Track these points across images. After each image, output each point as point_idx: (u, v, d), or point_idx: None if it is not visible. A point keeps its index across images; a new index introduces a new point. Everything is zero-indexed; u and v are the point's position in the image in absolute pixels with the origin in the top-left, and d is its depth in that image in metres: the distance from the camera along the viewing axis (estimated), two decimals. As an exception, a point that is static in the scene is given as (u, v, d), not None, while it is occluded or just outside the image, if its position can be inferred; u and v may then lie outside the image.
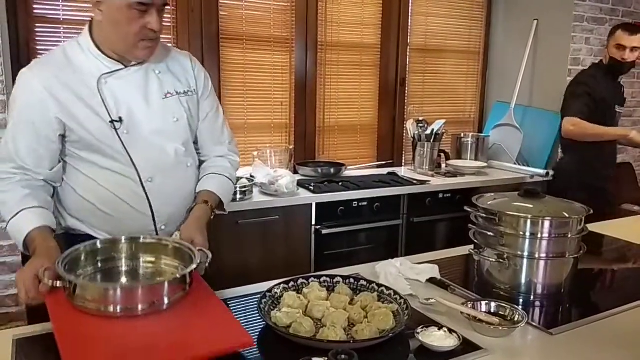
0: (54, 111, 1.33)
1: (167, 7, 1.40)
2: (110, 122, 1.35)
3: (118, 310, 1.09)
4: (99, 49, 1.36)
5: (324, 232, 2.71)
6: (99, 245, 1.31)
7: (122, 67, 1.38)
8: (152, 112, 1.41)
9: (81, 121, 1.34)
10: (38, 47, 2.49)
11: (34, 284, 1.15)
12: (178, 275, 1.21)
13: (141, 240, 1.35)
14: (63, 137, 1.37)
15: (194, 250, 1.27)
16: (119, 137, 1.37)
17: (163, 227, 1.46)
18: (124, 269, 1.33)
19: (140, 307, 1.10)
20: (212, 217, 1.51)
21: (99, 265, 1.31)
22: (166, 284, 1.15)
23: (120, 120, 1.36)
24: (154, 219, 1.45)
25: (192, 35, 2.81)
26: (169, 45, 1.55)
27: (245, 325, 1.27)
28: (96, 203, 1.40)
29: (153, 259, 1.35)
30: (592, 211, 1.47)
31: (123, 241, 1.34)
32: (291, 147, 3.18)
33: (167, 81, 1.45)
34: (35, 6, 2.45)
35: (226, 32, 2.93)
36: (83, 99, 1.34)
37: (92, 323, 1.08)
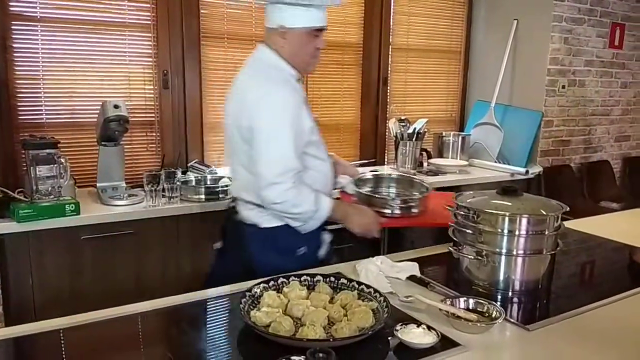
0: (308, 118, 1.67)
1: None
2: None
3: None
4: (289, 64, 1.70)
5: (307, 231, 2.70)
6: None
7: (299, 78, 1.75)
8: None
9: (309, 122, 1.67)
10: (14, 45, 2.44)
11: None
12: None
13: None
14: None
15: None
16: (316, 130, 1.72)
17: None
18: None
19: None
20: None
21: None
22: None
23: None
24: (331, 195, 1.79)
25: (172, 34, 2.78)
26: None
27: (225, 326, 1.26)
28: (312, 185, 1.70)
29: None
30: (568, 208, 1.49)
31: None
32: (273, 146, 3.16)
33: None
34: (11, 3, 2.41)
35: (207, 31, 2.91)
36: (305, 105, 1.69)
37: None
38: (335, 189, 1.87)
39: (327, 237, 1.79)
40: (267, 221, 1.69)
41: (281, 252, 1.67)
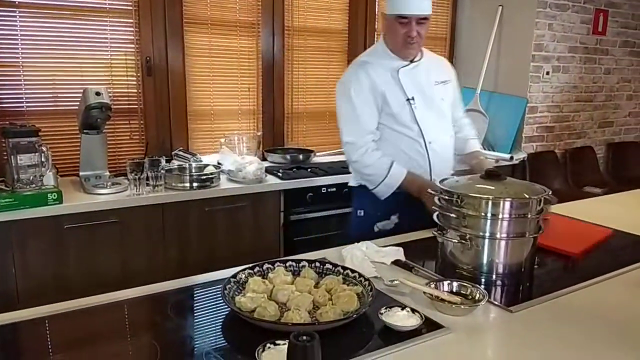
0: (378, 96, 1.89)
1: (426, 20, 1.86)
2: (406, 100, 1.89)
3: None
4: (391, 51, 1.93)
5: (293, 218, 2.71)
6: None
7: (408, 63, 1.92)
8: (430, 94, 1.94)
9: (389, 99, 1.88)
10: (-8, 31, 2.39)
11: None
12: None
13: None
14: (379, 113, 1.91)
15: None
16: (412, 110, 1.89)
17: (435, 178, 1.82)
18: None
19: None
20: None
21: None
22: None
23: (413, 99, 1.89)
24: (430, 172, 1.93)
25: (154, 20, 2.74)
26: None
27: (211, 312, 1.26)
28: (393, 154, 1.91)
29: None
30: (551, 192, 1.51)
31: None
32: (259, 133, 3.16)
33: (434, 73, 1.97)
34: (-12, -12, 2.36)
35: (190, 17, 2.87)
36: (390, 84, 1.89)
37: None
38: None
39: (393, 218, 1.96)
40: (352, 179, 2.05)
41: (354, 209, 2.05)
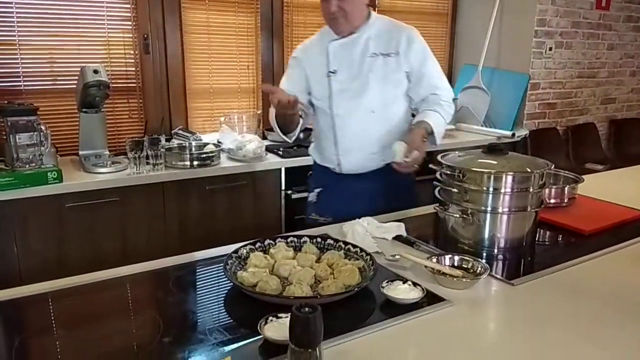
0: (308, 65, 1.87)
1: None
2: (328, 72, 1.81)
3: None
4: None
5: (294, 196, 2.71)
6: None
7: (339, 37, 1.81)
8: (360, 67, 1.79)
9: (311, 73, 1.86)
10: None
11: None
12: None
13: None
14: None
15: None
16: (329, 83, 1.81)
17: (341, 157, 1.86)
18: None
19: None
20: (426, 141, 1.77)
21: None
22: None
23: (334, 72, 1.81)
24: (336, 146, 1.86)
25: (151, -4, 2.70)
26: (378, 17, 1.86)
27: (213, 287, 1.27)
28: (316, 129, 1.96)
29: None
30: (553, 166, 1.50)
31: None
32: (259, 112, 3.13)
33: (373, 45, 1.80)
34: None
35: (188, -7, 2.83)
36: (317, 58, 1.84)
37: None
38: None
39: (315, 192, 1.97)
40: None
41: None
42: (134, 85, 2.77)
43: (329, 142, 1.88)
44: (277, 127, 1.85)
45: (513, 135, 3.38)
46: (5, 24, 2.42)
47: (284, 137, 1.87)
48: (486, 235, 1.44)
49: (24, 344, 1.01)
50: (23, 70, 2.49)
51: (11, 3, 2.41)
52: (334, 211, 1.84)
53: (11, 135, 2.10)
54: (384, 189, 1.86)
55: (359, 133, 1.83)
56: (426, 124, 1.76)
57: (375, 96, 1.80)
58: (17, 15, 2.43)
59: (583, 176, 1.91)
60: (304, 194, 2.72)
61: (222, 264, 1.23)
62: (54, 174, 2.10)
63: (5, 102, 2.28)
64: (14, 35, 2.44)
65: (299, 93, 1.78)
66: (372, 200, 1.83)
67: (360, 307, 1.13)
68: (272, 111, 1.81)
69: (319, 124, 1.92)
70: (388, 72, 1.80)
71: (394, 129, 1.83)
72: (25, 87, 2.50)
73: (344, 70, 1.81)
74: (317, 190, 1.97)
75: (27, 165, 2.11)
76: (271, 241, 1.38)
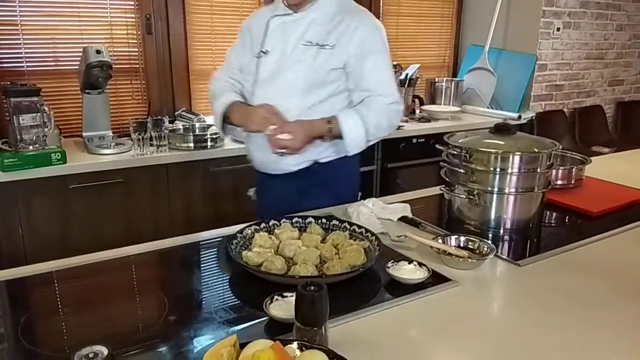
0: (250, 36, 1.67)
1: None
2: (260, 51, 1.62)
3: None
4: None
5: (298, 178, 2.69)
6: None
7: (290, 12, 1.58)
8: (292, 53, 1.57)
9: (246, 48, 1.67)
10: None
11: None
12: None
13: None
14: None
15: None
16: (258, 64, 1.62)
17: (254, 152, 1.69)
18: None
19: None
20: (327, 139, 1.58)
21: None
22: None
23: (266, 52, 1.61)
24: (247, 139, 1.71)
25: (154, -24, 2.66)
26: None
27: (217, 267, 1.26)
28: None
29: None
30: (561, 147, 1.48)
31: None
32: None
33: (312, 32, 1.57)
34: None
35: (190, -28, 2.79)
36: (258, 32, 1.64)
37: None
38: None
39: (251, 191, 1.83)
40: None
41: None
42: (137, 66, 2.75)
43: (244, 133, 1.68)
44: (220, 124, 1.67)
45: (519, 117, 3.35)
46: (8, 4, 2.39)
47: (223, 133, 1.72)
48: (492, 217, 1.43)
49: (29, 322, 1.01)
50: (25, 51, 2.47)
51: (12, -18, 2.38)
52: (268, 213, 1.51)
53: (14, 116, 2.09)
54: (309, 188, 1.64)
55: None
56: (333, 121, 1.54)
57: (299, 89, 1.56)
58: (19, -5, 2.40)
59: (590, 158, 1.89)
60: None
61: (226, 244, 1.22)
62: (58, 155, 2.09)
63: (8, 83, 2.27)
64: (16, 16, 2.42)
65: (243, 59, 1.68)
66: (299, 200, 1.61)
67: (366, 287, 1.13)
68: (220, 110, 1.64)
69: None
70: (316, 68, 1.54)
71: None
72: (28, 69, 2.49)
73: (275, 54, 1.59)
74: (252, 190, 1.84)
75: (31, 147, 2.10)
76: (276, 222, 1.37)
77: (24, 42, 2.46)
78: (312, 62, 1.54)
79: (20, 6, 2.41)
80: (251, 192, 1.85)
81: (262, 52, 1.61)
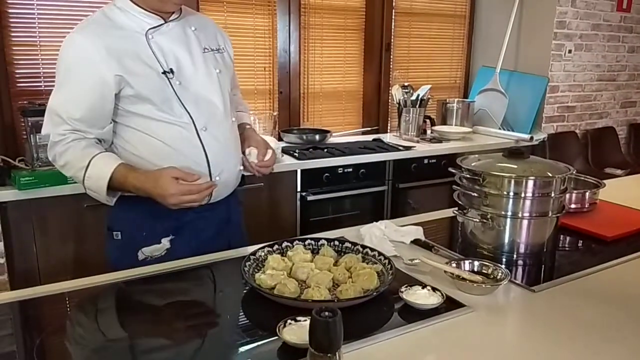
0: (113, 69, 1.34)
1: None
2: (162, 73, 1.39)
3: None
4: (139, 6, 1.40)
5: (310, 198, 2.70)
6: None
7: (163, 22, 1.43)
8: (197, 64, 1.46)
9: (137, 74, 1.36)
10: (9, 11, 2.39)
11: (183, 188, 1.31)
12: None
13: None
14: (117, 95, 1.37)
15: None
16: (172, 87, 1.40)
17: (217, 178, 1.48)
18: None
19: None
20: None
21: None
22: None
23: (172, 71, 1.41)
24: (209, 169, 1.46)
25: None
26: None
27: (230, 289, 1.26)
28: (151, 158, 1.40)
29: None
30: (575, 171, 1.47)
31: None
32: (275, 113, 3.14)
33: (202, 38, 1.51)
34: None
35: None
36: (136, 52, 1.37)
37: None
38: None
39: (164, 242, 1.46)
40: None
41: (108, 231, 1.53)
42: (152, 86, 2.79)
43: (196, 167, 1.41)
44: (103, 192, 1.39)
45: (531, 138, 3.34)
46: (27, 25, 2.45)
47: (107, 199, 1.44)
48: (506, 241, 1.42)
49: (44, 343, 1.02)
50: (44, 71, 2.51)
51: (32, 5, 2.44)
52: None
53: (32, 135, 2.12)
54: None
55: (231, 147, 1.53)
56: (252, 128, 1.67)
57: (228, 101, 1.53)
58: (39, 16, 2.46)
59: (604, 181, 1.88)
60: (320, 196, 2.73)
61: (238, 266, 1.23)
62: (73, 174, 2.12)
63: (26, 102, 2.31)
64: (35, 37, 2.47)
65: (92, 102, 1.34)
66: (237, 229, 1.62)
67: (379, 311, 1.12)
68: (105, 179, 1.34)
69: (161, 144, 1.40)
70: (228, 71, 1.57)
71: (239, 136, 1.61)
72: (46, 88, 2.53)
73: (182, 70, 1.42)
74: (167, 239, 1.46)
75: (47, 165, 2.13)
76: (289, 244, 1.37)
77: (43, 62, 2.51)
78: (225, 66, 1.56)
79: (39, 27, 2.47)
80: (165, 241, 1.48)
81: (167, 72, 1.39)
